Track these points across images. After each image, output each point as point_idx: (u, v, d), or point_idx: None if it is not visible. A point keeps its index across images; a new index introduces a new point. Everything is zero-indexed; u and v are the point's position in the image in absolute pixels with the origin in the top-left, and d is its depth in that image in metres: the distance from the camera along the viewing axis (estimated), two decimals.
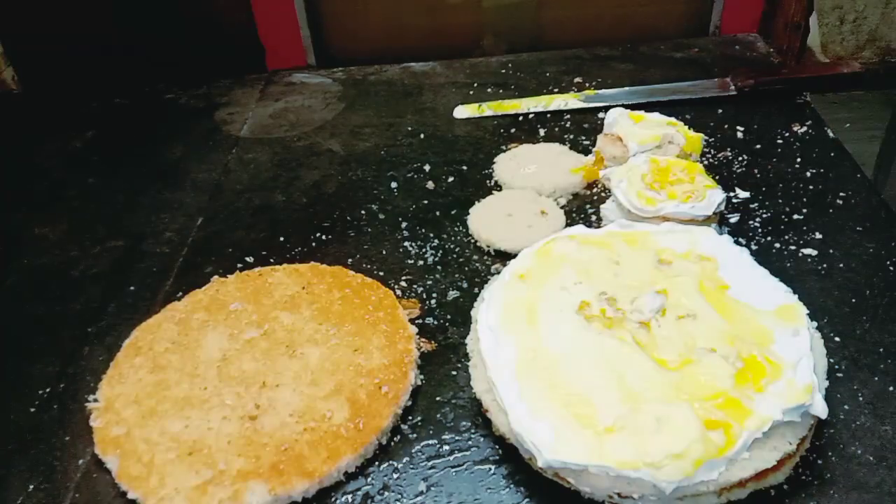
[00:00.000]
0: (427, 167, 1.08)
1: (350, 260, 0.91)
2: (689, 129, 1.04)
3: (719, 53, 1.32)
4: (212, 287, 0.86)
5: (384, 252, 0.92)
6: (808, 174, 0.99)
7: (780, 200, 0.95)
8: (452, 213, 0.98)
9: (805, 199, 0.95)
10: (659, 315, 0.69)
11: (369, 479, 0.66)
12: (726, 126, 1.11)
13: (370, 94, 1.29)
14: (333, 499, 0.65)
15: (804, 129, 1.08)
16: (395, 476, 0.66)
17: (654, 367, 0.64)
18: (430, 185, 1.04)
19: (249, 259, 0.92)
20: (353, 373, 0.73)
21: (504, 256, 0.88)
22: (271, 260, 0.92)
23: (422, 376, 0.75)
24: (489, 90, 1.26)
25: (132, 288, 0.90)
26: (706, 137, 1.03)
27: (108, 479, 0.68)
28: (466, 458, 0.67)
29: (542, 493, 0.58)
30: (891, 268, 0.84)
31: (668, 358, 0.65)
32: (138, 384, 0.74)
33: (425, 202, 1.01)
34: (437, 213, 0.98)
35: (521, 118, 1.17)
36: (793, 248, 0.88)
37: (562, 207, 0.96)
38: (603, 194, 0.99)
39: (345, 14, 1.40)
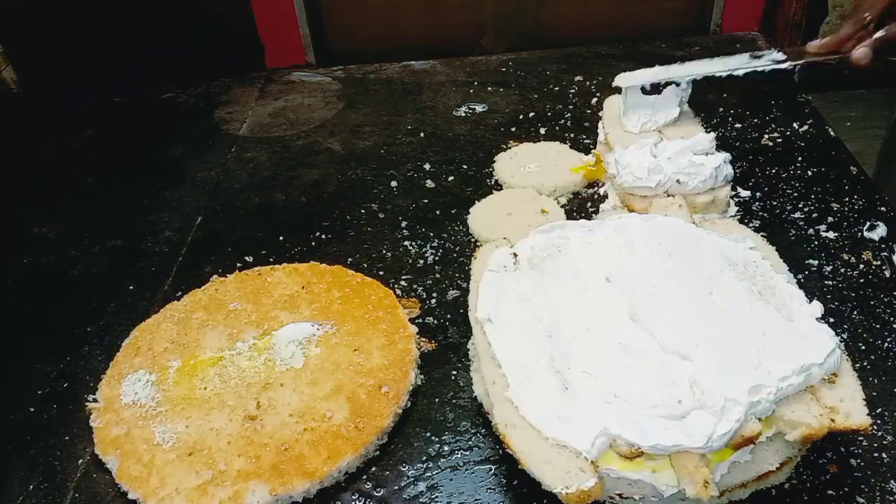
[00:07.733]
0: (427, 166, 1.07)
1: (350, 259, 0.91)
2: None
3: (720, 52, 1.32)
4: (211, 286, 0.86)
5: (384, 251, 0.92)
6: (809, 173, 0.99)
7: (782, 199, 0.95)
8: (452, 212, 0.98)
9: (806, 198, 0.95)
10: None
11: (369, 480, 0.66)
12: (727, 125, 1.10)
13: (370, 92, 1.28)
14: (334, 499, 0.65)
15: (805, 127, 1.08)
16: (395, 476, 0.66)
17: None
18: (430, 183, 1.04)
19: (249, 258, 0.92)
20: (353, 372, 0.73)
21: None
22: (270, 259, 0.91)
23: (422, 376, 0.75)
24: (489, 88, 1.25)
25: (131, 287, 0.90)
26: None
27: (108, 479, 0.68)
28: (467, 459, 0.67)
29: (543, 493, 0.58)
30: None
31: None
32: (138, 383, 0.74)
33: (425, 201, 1.01)
34: (438, 213, 0.98)
35: (521, 117, 1.17)
36: (794, 247, 0.87)
37: (562, 206, 0.96)
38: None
39: (344, 12, 1.40)
